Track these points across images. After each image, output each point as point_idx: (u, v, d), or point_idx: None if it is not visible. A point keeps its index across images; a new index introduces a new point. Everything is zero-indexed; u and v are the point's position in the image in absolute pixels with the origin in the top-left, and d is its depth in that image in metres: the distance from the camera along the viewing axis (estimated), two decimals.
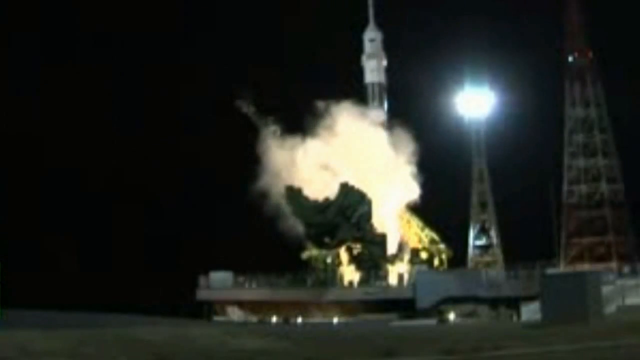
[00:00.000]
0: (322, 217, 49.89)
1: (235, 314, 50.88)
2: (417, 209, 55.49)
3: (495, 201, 60.80)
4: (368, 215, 50.62)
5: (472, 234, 60.72)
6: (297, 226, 51.67)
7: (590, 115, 60.57)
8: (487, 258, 59.86)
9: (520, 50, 62.81)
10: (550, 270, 42.76)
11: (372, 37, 57.80)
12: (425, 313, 40.70)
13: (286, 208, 50.98)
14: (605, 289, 30.36)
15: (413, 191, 54.64)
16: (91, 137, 67.41)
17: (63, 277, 58.72)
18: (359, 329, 31.54)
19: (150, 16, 71.38)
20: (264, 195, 51.80)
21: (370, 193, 50.70)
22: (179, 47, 72.03)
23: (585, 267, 55.91)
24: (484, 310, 40.69)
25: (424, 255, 52.93)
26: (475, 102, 60.63)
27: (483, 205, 61.00)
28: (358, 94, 55.77)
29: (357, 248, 50.66)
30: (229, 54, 69.67)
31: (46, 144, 65.44)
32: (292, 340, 20.26)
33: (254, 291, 51.30)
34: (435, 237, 54.59)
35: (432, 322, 36.52)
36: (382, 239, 51.15)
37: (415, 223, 55.04)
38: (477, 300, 41.64)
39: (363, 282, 49.12)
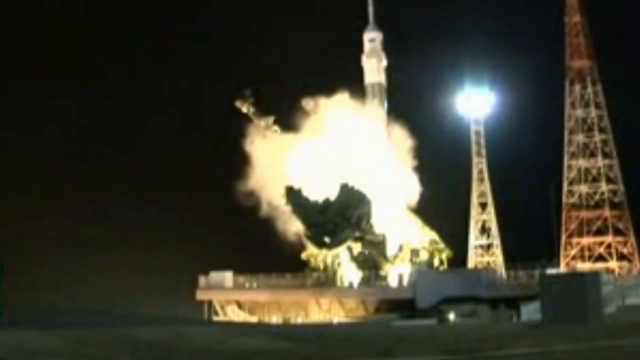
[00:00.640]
0: (322, 217, 49.87)
1: (235, 313, 50.91)
2: (417, 209, 55.54)
3: (495, 201, 60.89)
4: (368, 215, 50.61)
5: (472, 234, 60.80)
6: (297, 226, 51.67)
7: (590, 115, 60.61)
8: (487, 258, 59.98)
9: (521, 50, 62.92)
10: (550, 271, 42.76)
11: (372, 37, 57.80)
12: (425, 313, 40.67)
13: (286, 208, 51.00)
14: (605, 289, 30.32)
15: (413, 191, 54.65)
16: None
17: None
18: (359, 329, 31.53)
19: (151, 16, 71.53)
20: (252, 194, 51.92)
21: (370, 193, 50.69)
22: (179, 47, 72.00)
23: (586, 267, 56.00)
24: (484, 310, 40.65)
25: (424, 255, 52.95)
26: (475, 102, 60.73)
27: (483, 205, 61.08)
28: (358, 93, 55.75)
29: (357, 248, 50.66)
30: (229, 54, 69.76)
31: None
32: (292, 340, 20.26)
33: (253, 291, 51.29)
34: (435, 237, 54.61)
35: (432, 322, 36.47)
36: (382, 239, 51.14)
37: (415, 223, 55.05)
38: (477, 300, 41.62)
39: (363, 282, 49.09)
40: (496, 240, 60.42)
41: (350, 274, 50.35)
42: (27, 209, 64.97)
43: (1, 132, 64.66)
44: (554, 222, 53.78)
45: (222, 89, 59.43)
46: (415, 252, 52.36)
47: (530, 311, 33.22)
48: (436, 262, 53.38)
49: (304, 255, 52.27)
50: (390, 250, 51.54)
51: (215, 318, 50.42)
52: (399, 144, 54.93)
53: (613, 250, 58.01)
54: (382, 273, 49.97)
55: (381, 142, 55.04)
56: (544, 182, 52.70)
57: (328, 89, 53.93)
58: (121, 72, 69.15)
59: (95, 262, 62.99)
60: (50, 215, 64.66)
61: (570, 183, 60.33)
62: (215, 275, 52.05)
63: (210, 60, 69.60)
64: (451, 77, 61.12)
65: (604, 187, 59.45)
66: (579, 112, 60.90)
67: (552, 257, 49.41)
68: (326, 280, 49.81)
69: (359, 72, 57.25)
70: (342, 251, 50.70)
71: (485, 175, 61.31)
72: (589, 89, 60.79)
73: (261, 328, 34.91)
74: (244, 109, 55.08)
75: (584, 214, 59.56)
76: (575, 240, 59.33)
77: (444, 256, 54.31)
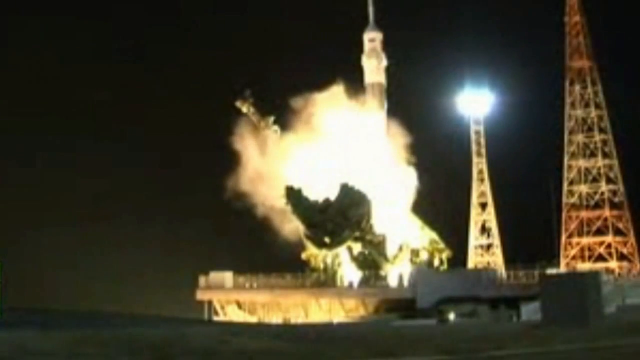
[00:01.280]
0: (322, 217, 49.86)
1: (235, 313, 50.92)
2: (417, 209, 55.55)
3: (495, 201, 60.91)
4: (368, 215, 50.61)
5: (472, 234, 60.81)
6: (295, 226, 51.65)
7: (590, 115, 60.64)
8: (487, 258, 60.00)
9: (521, 50, 62.90)
10: (550, 271, 42.76)
11: (372, 37, 57.80)
12: (425, 313, 40.67)
13: (282, 208, 51.01)
14: (605, 289, 30.31)
15: (413, 191, 54.65)
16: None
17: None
18: (359, 329, 31.50)
19: (150, 16, 71.56)
20: (251, 194, 51.98)
21: (370, 193, 50.69)
22: (179, 48, 72.00)
23: (586, 267, 56.00)
24: (484, 310, 40.65)
25: (424, 255, 52.94)
26: (475, 102, 60.76)
27: (483, 205, 61.10)
28: (353, 87, 55.66)
29: (357, 248, 50.65)
30: (229, 54, 69.79)
31: None
32: (292, 340, 20.25)
33: (254, 291, 51.29)
34: (435, 237, 54.60)
35: (432, 322, 36.46)
36: (382, 239, 51.14)
37: (415, 223, 55.04)
38: (477, 300, 41.63)
39: (363, 282, 49.09)
40: (496, 240, 60.45)
41: (350, 274, 50.35)
42: (28, 210, 65.08)
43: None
44: (554, 222, 53.88)
45: (223, 89, 59.43)
46: (415, 252, 52.36)
47: (530, 311, 33.21)
48: (436, 262, 53.39)
49: (304, 255, 52.28)
50: (390, 250, 51.53)
51: (215, 318, 50.44)
52: (398, 144, 54.95)
53: (613, 250, 58.03)
54: (382, 273, 49.97)
55: (381, 141, 55.02)
56: (544, 183, 52.79)
57: (323, 83, 53.91)
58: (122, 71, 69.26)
59: (95, 262, 63.09)
60: (50, 216, 64.78)
61: (570, 183, 60.36)
62: (215, 275, 52.06)
63: (210, 61, 69.63)
64: (451, 77, 61.24)
65: (604, 187, 59.47)
66: (579, 112, 60.93)
67: (552, 257, 49.45)
68: (326, 280, 49.82)
69: (359, 72, 57.27)
70: (342, 251, 50.69)
71: (485, 175, 61.37)
72: (589, 89, 60.82)
73: (261, 328, 34.90)
74: (244, 109, 55.07)
75: (584, 214, 59.58)
76: (575, 240, 59.35)
77: (444, 256, 54.32)
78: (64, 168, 65.20)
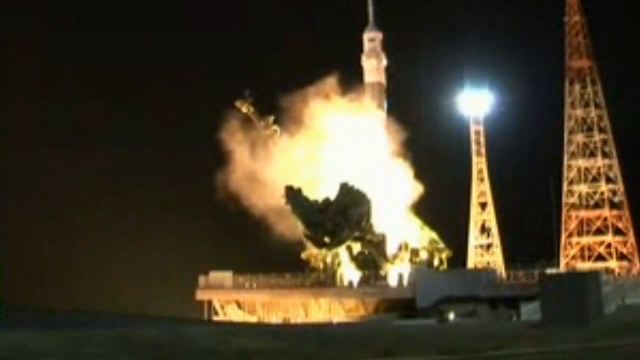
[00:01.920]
0: (322, 217, 49.86)
1: (235, 313, 50.93)
2: (417, 209, 55.54)
3: (495, 201, 60.90)
4: (368, 215, 50.60)
5: (472, 234, 60.82)
6: (293, 227, 51.66)
7: (590, 115, 60.62)
8: (487, 258, 60.00)
9: (521, 50, 62.89)
10: (550, 271, 42.75)
11: (372, 37, 57.80)
12: (425, 313, 40.68)
13: (278, 209, 51.05)
14: (605, 289, 30.32)
15: (413, 191, 54.64)
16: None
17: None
18: (359, 329, 31.51)
19: (150, 16, 71.56)
20: (243, 194, 52.08)
21: (370, 193, 50.69)
22: (178, 47, 71.98)
23: (586, 267, 55.99)
24: (484, 310, 40.67)
25: (424, 255, 52.93)
26: (475, 103, 60.77)
27: (483, 205, 61.10)
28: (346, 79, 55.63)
29: (357, 248, 50.65)
30: (229, 53, 69.78)
31: None
32: (292, 340, 20.26)
33: (253, 291, 51.28)
34: (435, 237, 54.59)
35: (432, 322, 36.47)
36: (382, 239, 51.13)
37: (415, 223, 55.04)
38: (477, 300, 41.64)
39: (363, 282, 49.10)
40: (496, 240, 60.44)
41: (350, 274, 50.34)
42: (28, 210, 65.08)
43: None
44: (554, 222, 53.85)
45: (223, 89, 59.39)
46: (415, 252, 52.34)
47: (530, 311, 33.18)
48: (436, 262, 53.36)
49: (304, 255, 52.27)
50: (390, 250, 51.53)
51: (215, 318, 50.44)
52: (398, 143, 54.98)
53: (613, 250, 58.00)
54: (382, 273, 49.96)
55: (381, 141, 55.02)
56: (544, 183, 52.78)
57: (317, 75, 53.85)
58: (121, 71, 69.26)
59: (96, 262, 63.09)
60: (50, 216, 64.78)
61: (570, 183, 60.34)
62: (215, 275, 52.06)
63: (210, 60, 69.63)
64: (451, 77, 61.23)
65: (604, 187, 59.45)
66: (579, 112, 60.91)
67: (552, 257, 49.43)
68: (326, 280, 49.80)
69: (359, 72, 57.28)
70: (342, 251, 50.68)
71: (485, 175, 61.36)
72: (589, 89, 60.79)
73: (261, 328, 34.92)
74: (244, 109, 55.05)
75: (584, 214, 59.56)
76: (575, 240, 59.33)
77: (444, 256, 54.29)
78: (64, 168, 65.19)
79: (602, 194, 59.38)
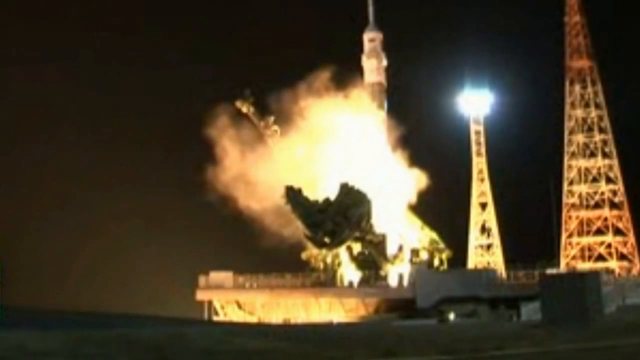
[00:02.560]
0: (322, 217, 49.85)
1: (235, 313, 50.92)
2: (417, 209, 55.57)
3: (495, 201, 60.92)
4: (368, 215, 50.60)
5: (472, 234, 60.83)
6: (296, 226, 51.65)
7: (590, 115, 60.64)
8: (487, 258, 60.02)
9: (521, 50, 62.94)
10: (550, 271, 42.76)
11: (372, 37, 57.78)
12: (425, 313, 40.69)
13: (286, 207, 50.99)
14: (605, 289, 30.32)
15: (413, 191, 54.64)
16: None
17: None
18: (359, 329, 31.52)
19: (151, 15, 71.57)
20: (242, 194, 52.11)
21: (370, 193, 50.68)
22: (179, 46, 71.99)
23: (586, 267, 56.01)
24: (484, 310, 40.68)
25: (424, 255, 52.93)
26: (475, 103, 60.79)
27: (483, 205, 61.12)
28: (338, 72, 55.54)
29: (357, 248, 50.65)
30: (229, 54, 69.80)
31: None
32: (292, 340, 20.26)
33: (253, 291, 51.28)
34: (435, 237, 54.59)
35: (432, 322, 36.48)
36: (382, 239, 51.12)
37: (416, 223, 55.04)
38: (477, 300, 41.64)
39: (363, 282, 49.10)
40: (496, 240, 60.46)
41: (350, 274, 50.34)
42: (28, 210, 65.10)
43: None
44: (554, 222, 53.85)
45: (224, 89, 59.41)
46: (415, 252, 52.35)
47: (530, 311, 33.20)
48: (436, 262, 53.34)
49: (304, 255, 52.24)
50: (390, 250, 51.53)
51: (215, 318, 50.43)
52: (398, 143, 55.01)
53: (613, 250, 58.03)
54: (382, 273, 49.95)
55: (381, 141, 55.02)
56: (544, 182, 52.79)
57: (312, 65, 53.79)
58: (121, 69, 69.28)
59: (96, 262, 63.10)
60: (50, 216, 64.78)
61: (570, 183, 60.37)
62: (215, 275, 52.04)
63: (210, 60, 69.65)
64: (451, 77, 61.28)
65: (604, 187, 59.47)
66: (579, 112, 60.93)
67: (552, 257, 49.43)
68: (326, 280, 49.79)
69: (359, 72, 57.24)
70: (342, 251, 50.68)
71: (485, 175, 61.37)
72: (589, 89, 60.82)
73: (261, 328, 34.92)
74: (244, 109, 55.01)
75: (584, 214, 59.58)
76: (575, 240, 59.36)
77: (444, 256, 54.27)
78: (63, 168, 65.24)
79: (602, 194, 59.40)
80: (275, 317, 48.38)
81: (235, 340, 19.70)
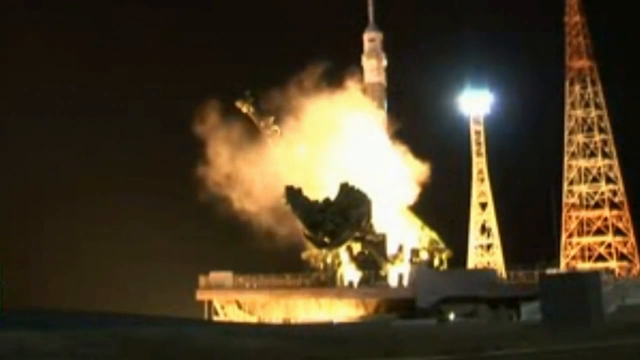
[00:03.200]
0: (322, 217, 49.84)
1: (235, 313, 50.91)
2: (417, 209, 55.55)
3: (495, 201, 60.91)
4: (368, 215, 50.59)
5: (472, 234, 60.82)
6: (296, 226, 51.64)
7: (590, 115, 60.64)
8: (487, 258, 60.02)
9: (521, 50, 62.90)
10: (550, 271, 42.76)
11: (372, 37, 57.77)
12: (425, 313, 40.68)
13: (286, 207, 50.99)
14: (605, 289, 30.33)
15: (413, 191, 54.62)
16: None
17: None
18: (359, 329, 31.52)
19: (151, 15, 71.55)
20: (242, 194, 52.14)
21: (370, 193, 50.67)
22: (179, 47, 71.96)
23: (586, 267, 56.01)
24: (484, 310, 40.66)
25: (424, 255, 52.93)
26: (475, 103, 60.80)
27: (483, 205, 61.11)
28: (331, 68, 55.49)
29: (357, 248, 50.64)
30: (229, 54, 69.77)
31: None
32: (292, 340, 20.26)
33: (253, 291, 51.27)
34: (435, 237, 54.58)
35: (432, 322, 36.48)
36: (382, 239, 51.11)
37: (416, 223, 55.03)
38: (477, 300, 41.63)
39: (363, 282, 49.08)
40: (496, 240, 60.44)
41: (350, 274, 50.33)
42: (28, 210, 65.08)
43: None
44: (554, 222, 53.86)
45: (223, 89, 59.37)
46: (415, 252, 52.34)
47: (530, 311, 33.21)
48: (436, 262, 53.32)
49: (304, 255, 52.21)
50: (390, 250, 51.52)
51: (215, 318, 50.41)
52: (398, 143, 54.97)
53: (613, 250, 58.02)
54: (382, 273, 49.94)
55: (380, 141, 55.01)
56: (544, 182, 52.82)
57: (312, 65, 53.75)
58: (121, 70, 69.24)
59: (96, 262, 63.07)
60: (50, 216, 64.78)
61: (570, 183, 60.34)
62: (215, 275, 52.02)
63: (210, 60, 69.62)
64: (451, 77, 61.25)
65: (604, 187, 59.45)
66: (579, 112, 60.92)
67: (552, 257, 49.44)
68: (326, 280, 49.78)
69: (359, 72, 57.19)
70: (342, 251, 50.67)
71: (485, 175, 61.37)
72: (589, 89, 60.80)
73: (261, 328, 34.92)
74: (244, 109, 55.00)
75: (584, 214, 59.57)
76: (575, 240, 59.34)
77: (444, 256, 54.24)
78: (63, 168, 65.21)
79: (602, 194, 59.38)
80: (275, 317, 48.36)
81: (236, 340, 19.70)
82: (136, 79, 67.42)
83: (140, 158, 65.87)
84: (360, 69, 57.11)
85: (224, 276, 51.96)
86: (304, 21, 67.37)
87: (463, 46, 60.03)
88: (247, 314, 50.42)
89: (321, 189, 51.75)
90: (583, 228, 59.35)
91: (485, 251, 60.53)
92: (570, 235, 59.48)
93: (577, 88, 61.01)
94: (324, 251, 50.67)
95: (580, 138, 60.63)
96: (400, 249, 51.84)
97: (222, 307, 51.75)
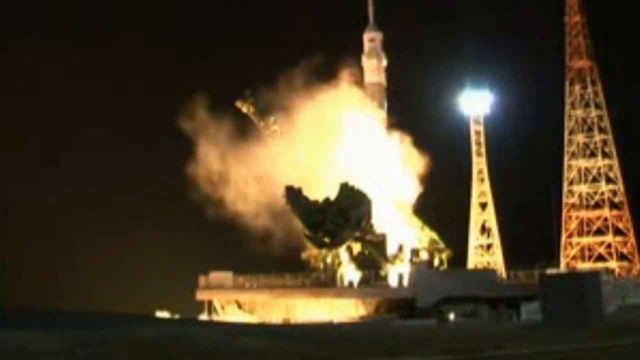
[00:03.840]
0: (322, 217, 49.83)
1: (235, 313, 50.90)
2: (417, 209, 55.54)
3: (495, 201, 60.91)
4: (368, 215, 50.58)
5: (472, 234, 60.82)
6: (296, 226, 51.64)
7: (590, 115, 60.64)
8: (487, 258, 60.02)
9: (521, 50, 62.91)
10: (550, 271, 42.76)
11: (372, 37, 57.78)
12: (425, 313, 40.68)
13: (286, 207, 50.98)
14: (605, 289, 30.34)
15: (413, 191, 54.63)
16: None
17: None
18: (359, 329, 31.54)
19: (150, 15, 71.58)
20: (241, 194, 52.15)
21: (370, 193, 50.67)
22: (179, 47, 71.99)
23: (586, 267, 56.00)
24: (484, 310, 40.66)
25: (424, 255, 52.93)
26: (475, 103, 60.80)
27: (483, 205, 61.11)
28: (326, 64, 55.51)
29: (357, 248, 50.63)
30: (229, 53, 69.77)
31: None
32: (292, 340, 20.27)
33: (253, 291, 51.26)
34: (435, 237, 54.59)
35: (432, 322, 36.48)
36: (382, 239, 51.10)
37: (416, 223, 55.04)
38: (477, 300, 41.62)
39: (363, 282, 49.07)
40: (496, 240, 60.44)
41: (350, 274, 50.32)
42: (28, 210, 65.09)
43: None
44: (554, 222, 53.87)
45: (224, 89, 59.39)
46: (415, 252, 52.33)
47: (530, 311, 33.23)
48: (436, 262, 53.33)
49: (304, 255, 52.23)
50: (390, 250, 51.51)
51: (215, 318, 50.40)
52: (398, 143, 54.95)
53: (613, 250, 58.01)
54: (382, 273, 49.93)
55: (380, 141, 55.02)
56: (544, 182, 52.82)
57: (311, 65, 53.75)
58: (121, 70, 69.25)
59: (96, 262, 63.08)
60: (50, 216, 64.78)
61: (570, 183, 60.34)
62: (215, 275, 52.02)
63: (210, 60, 69.63)
64: (451, 77, 61.26)
65: (604, 187, 59.45)
66: (579, 112, 60.92)
67: (552, 257, 49.44)
68: (326, 280, 49.77)
69: (359, 72, 57.19)
70: (342, 251, 50.66)
71: (485, 175, 61.37)
72: (589, 89, 60.80)
73: (261, 328, 34.93)
74: (244, 109, 55.01)
75: (584, 214, 59.56)
76: (575, 240, 59.33)
77: (444, 256, 54.26)
78: (63, 168, 65.23)
79: (602, 194, 59.38)
80: (275, 317, 48.34)
81: (236, 340, 19.70)
82: (138, 79, 67.40)
83: (139, 158, 65.89)
84: (360, 69, 57.13)
85: (224, 276, 51.95)
86: (304, 21, 67.40)
87: (463, 46, 60.12)
88: (247, 314, 50.41)
89: (321, 189, 51.74)
90: (583, 228, 59.34)
91: (485, 251, 60.54)
92: (570, 235, 59.47)
93: (577, 88, 61.01)
94: (324, 251, 50.67)
95: (580, 138, 60.63)
96: (400, 249, 51.82)
97: (222, 307, 51.75)
